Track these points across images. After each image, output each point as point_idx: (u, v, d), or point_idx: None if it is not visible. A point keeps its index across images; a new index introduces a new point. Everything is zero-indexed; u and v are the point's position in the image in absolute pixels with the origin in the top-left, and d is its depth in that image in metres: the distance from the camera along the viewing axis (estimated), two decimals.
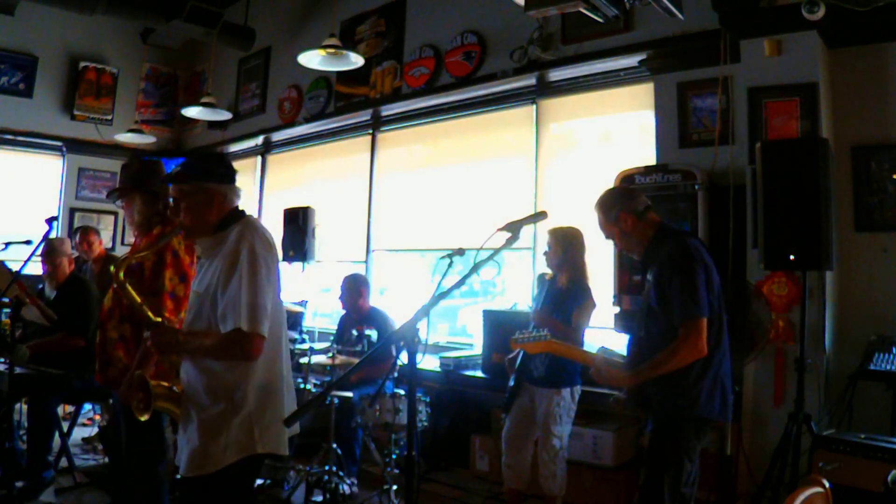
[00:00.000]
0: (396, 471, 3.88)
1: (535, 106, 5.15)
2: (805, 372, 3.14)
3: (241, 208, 2.30)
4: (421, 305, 1.86)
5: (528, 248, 4.97)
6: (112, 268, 2.28)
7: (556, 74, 4.95)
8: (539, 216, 2.18)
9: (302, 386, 4.18)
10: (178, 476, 2.28)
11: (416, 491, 1.87)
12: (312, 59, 4.76)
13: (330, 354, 4.13)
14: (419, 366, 1.94)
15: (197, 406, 2.12)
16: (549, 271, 3.73)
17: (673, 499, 2.45)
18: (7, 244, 4.29)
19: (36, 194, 7.72)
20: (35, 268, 4.20)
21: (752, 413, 3.55)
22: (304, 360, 4.26)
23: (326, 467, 3.87)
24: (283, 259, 5.78)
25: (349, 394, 4.13)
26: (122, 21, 7.34)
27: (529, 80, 5.07)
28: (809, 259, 3.10)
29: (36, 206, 7.48)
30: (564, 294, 3.53)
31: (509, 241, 1.97)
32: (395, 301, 6.09)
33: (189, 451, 2.09)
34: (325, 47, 4.65)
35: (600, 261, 3.77)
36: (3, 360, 3.89)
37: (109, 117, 8.01)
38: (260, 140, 7.50)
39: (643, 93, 4.51)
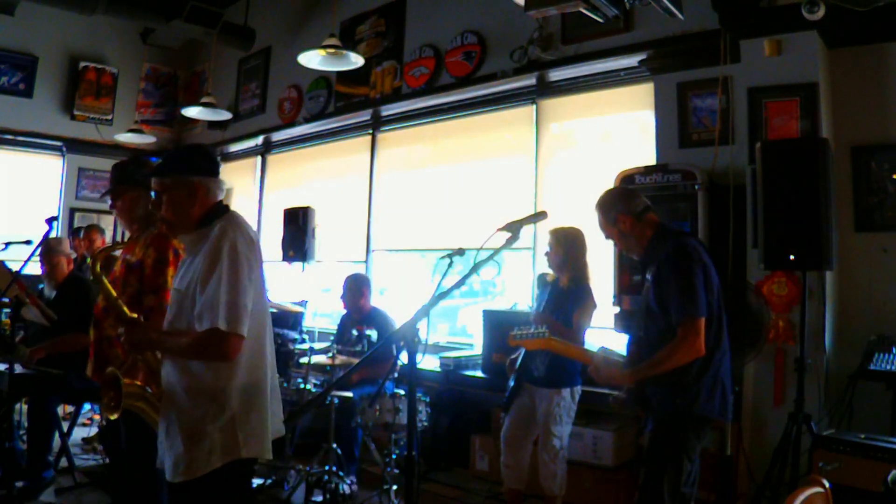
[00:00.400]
0: (396, 471, 3.87)
1: (535, 106, 5.15)
2: (805, 372, 3.14)
3: (224, 203, 2.24)
4: (421, 305, 1.86)
5: (528, 248, 4.97)
6: (89, 260, 2.25)
7: (556, 74, 4.94)
8: (539, 216, 2.19)
9: (302, 386, 4.18)
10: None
11: (416, 491, 1.88)
12: (312, 59, 4.76)
13: (330, 354, 4.13)
14: (419, 366, 1.94)
15: (178, 409, 2.05)
16: (549, 271, 3.73)
17: (673, 498, 2.45)
18: (7, 244, 4.29)
19: (36, 194, 7.73)
20: (35, 268, 4.21)
21: (752, 413, 3.55)
22: (304, 360, 4.25)
23: (326, 467, 3.87)
24: (283, 259, 5.79)
25: (349, 394, 4.13)
26: (122, 21, 7.35)
27: (529, 80, 5.07)
28: (809, 259, 3.10)
29: (36, 206, 7.49)
30: (566, 295, 3.53)
31: (509, 241, 1.97)
32: (395, 301, 6.09)
33: (173, 457, 2.03)
34: (325, 47, 4.65)
35: (600, 261, 3.76)
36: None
37: (109, 117, 8.01)
38: (260, 140, 7.49)
39: (643, 93, 4.51)
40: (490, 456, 4.42)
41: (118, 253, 3.01)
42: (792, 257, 3.11)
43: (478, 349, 4.86)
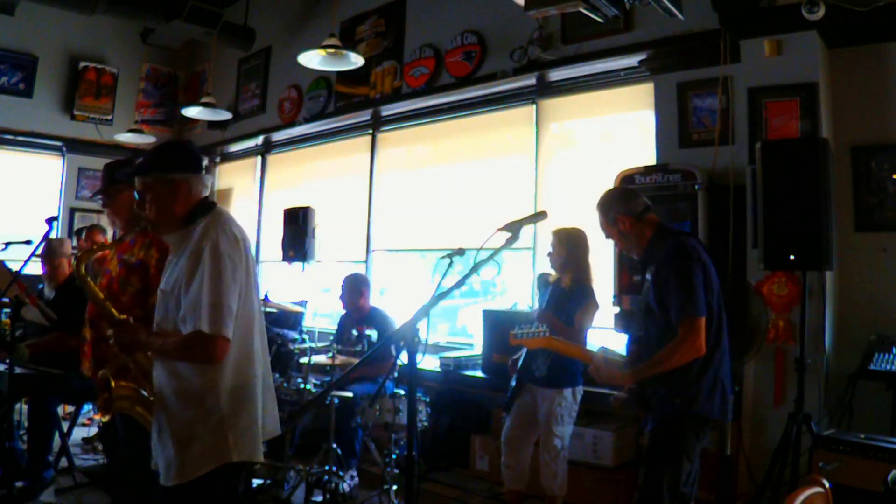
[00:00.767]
0: (396, 471, 3.87)
1: (535, 106, 5.15)
2: (805, 372, 3.14)
3: (210, 199, 2.19)
4: (421, 305, 1.86)
5: (528, 248, 4.97)
6: (73, 261, 2.22)
7: (556, 74, 4.94)
8: (539, 216, 2.19)
9: (302, 386, 4.18)
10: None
11: (416, 491, 1.87)
12: (312, 59, 4.76)
13: (330, 354, 4.13)
14: (419, 366, 1.93)
15: (168, 412, 2.03)
16: (550, 271, 3.73)
17: (672, 498, 2.46)
18: (7, 244, 4.29)
19: (36, 194, 7.72)
20: (35, 268, 4.21)
21: (752, 413, 3.55)
22: (304, 360, 4.25)
23: (326, 467, 3.87)
24: (283, 259, 5.79)
25: (349, 394, 4.13)
26: (122, 21, 7.35)
27: (529, 80, 5.07)
28: (809, 259, 3.10)
29: (36, 206, 7.48)
30: (567, 295, 3.53)
31: (509, 241, 1.97)
32: (395, 301, 6.09)
33: (165, 460, 2.01)
34: (325, 47, 4.66)
35: (601, 261, 3.77)
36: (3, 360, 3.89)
37: (109, 117, 8.01)
38: (260, 140, 7.49)
39: (643, 93, 4.51)
40: (490, 456, 4.42)
41: (107, 253, 2.97)
42: (792, 257, 3.11)
43: (478, 349, 4.86)
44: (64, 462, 4.23)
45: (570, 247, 3.55)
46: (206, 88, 7.24)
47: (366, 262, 6.24)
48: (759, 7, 3.69)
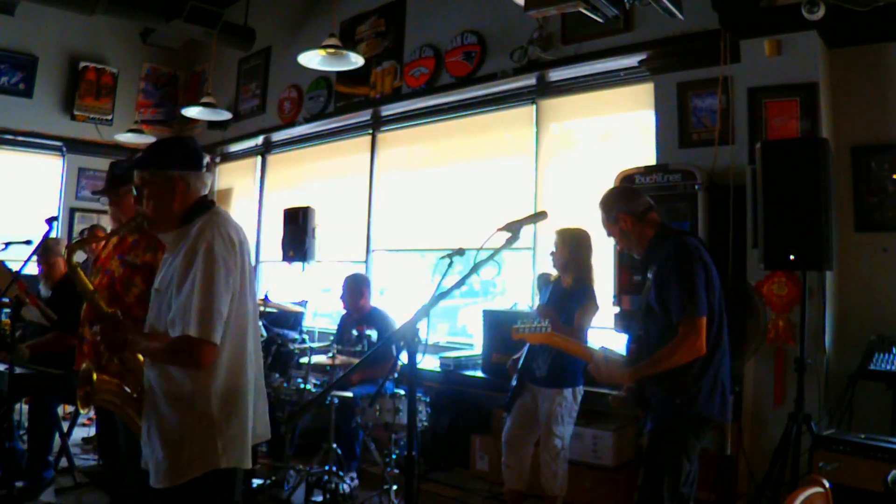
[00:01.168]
0: (396, 471, 3.88)
1: (535, 106, 5.15)
2: (805, 372, 3.13)
3: (209, 198, 2.15)
4: (421, 305, 1.86)
5: (528, 248, 4.97)
6: (65, 251, 2.16)
7: (556, 74, 4.94)
8: (539, 216, 2.19)
9: (302, 386, 4.18)
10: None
11: (416, 491, 1.87)
12: (312, 59, 4.76)
13: (330, 354, 4.13)
14: (419, 366, 1.93)
15: (158, 413, 1.99)
16: (551, 271, 3.73)
17: (672, 498, 2.46)
18: (7, 244, 4.29)
19: (36, 194, 7.72)
20: (35, 268, 4.21)
21: (752, 413, 3.55)
22: (304, 360, 4.25)
23: (326, 467, 3.87)
24: (283, 259, 5.79)
25: (349, 394, 4.13)
26: (122, 21, 7.34)
27: (529, 80, 5.07)
28: (809, 259, 3.09)
29: (36, 206, 7.48)
30: (568, 295, 3.54)
31: (509, 241, 1.97)
32: (395, 301, 6.09)
33: (154, 462, 1.98)
34: (325, 47, 4.65)
35: (601, 261, 3.76)
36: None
37: (109, 117, 8.01)
38: (260, 140, 7.49)
39: (643, 93, 4.51)
40: (490, 456, 4.42)
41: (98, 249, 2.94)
42: (792, 257, 3.11)
43: (478, 349, 4.86)
44: (64, 462, 4.23)
45: (573, 247, 3.55)
46: (206, 88, 7.24)
47: (366, 262, 6.24)
48: (759, 7, 3.69)
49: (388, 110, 6.15)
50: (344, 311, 4.98)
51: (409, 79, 5.76)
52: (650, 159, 4.25)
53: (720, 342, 2.54)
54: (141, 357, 2.13)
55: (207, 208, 2.10)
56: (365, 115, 6.33)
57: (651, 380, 2.56)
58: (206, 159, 2.18)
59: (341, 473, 3.96)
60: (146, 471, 2.04)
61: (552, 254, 3.62)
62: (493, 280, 6.06)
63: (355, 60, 4.79)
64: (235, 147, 7.94)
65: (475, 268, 1.92)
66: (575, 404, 3.52)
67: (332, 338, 4.97)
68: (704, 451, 2.72)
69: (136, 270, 2.67)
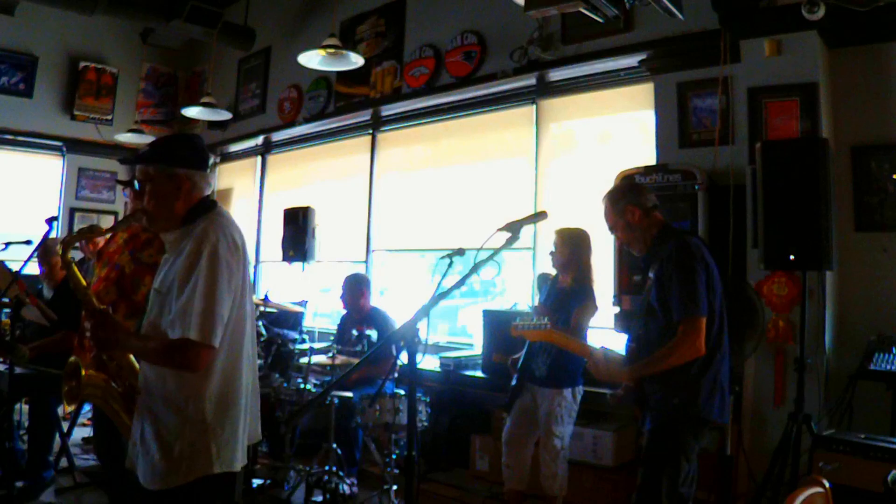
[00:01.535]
0: (396, 471, 3.87)
1: (535, 106, 5.15)
2: (805, 372, 3.13)
3: (211, 198, 2.12)
4: (421, 305, 1.86)
5: (528, 248, 4.97)
6: (59, 247, 2.12)
7: (556, 74, 4.94)
8: (539, 216, 2.19)
9: (302, 386, 4.18)
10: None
11: (416, 491, 1.87)
12: (312, 59, 4.76)
13: (330, 354, 4.13)
14: (419, 366, 1.93)
15: (153, 415, 1.96)
16: (551, 271, 3.73)
17: (671, 499, 2.46)
18: (7, 244, 4.29)
19: (36, 194, 7.72)
20: (35, 268, 4.20)
21: (752, 413, 3.55)
22: (304, 360, 4.25)
23: (326, 467, 3.87)
24: (283, 259, 5.79)
25: (349, 394, 4.13)
26: (122, 21, 7.34)
27: (529, 80, 5.07)
28: (809, 259, 3.09)
29: (36, 206, 7.49)
30: (567, 294, 3.54)
31: (509, 241, 1.97)
32: (395, 301, 6.09)
33: (148, 464, 1.94)
34: (325, 47, 4.66)
35: (601, 261, 3.77)
36: (3, 360, 3.89)
37: (109, 117, 8.01)
38: (260, 140, 7.49)
39: (643, 93, 4.51)
40: (490, 456, 4.42)
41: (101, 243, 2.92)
42: (792, 257, 3.10)
43: (478, 349, 4.86)
44: (64, 462, 4.23)
45: (573, 247, 3.55)
46: (206, 88, 7.25)
47: (366, 262, 6.24)
48: (759, 7, 3.69)
49: (388, 110, 6.15)
50: (344, 311, 4.99)
51: (409, 79, 5.76)
52: (650, 159, 4.25)
53: (720, 343, 2.54)
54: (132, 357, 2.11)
55: (210, 209, 2.07)
56: (365, 115, 6.33)
57: (650, 379, 2.56)
58: (212, 159, 2.16)
59: (341, 473, 3.96)
60: (131, 471, 2.01)
61: (551, 253, 3.63)
62: (493, 280, 6.05)
63: (355, 60, 4.79)
64: (235, 147, 7.94)
65: (475, 268, 1.92)
66: (574, 404, 3.52)
67: (332, 338, 4.97)
68: (704, 452, 2.72)
69: (147, 269, 2.65)
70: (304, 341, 5.62)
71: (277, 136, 7.35)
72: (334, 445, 3.95)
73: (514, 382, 3.64)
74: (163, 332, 1.97)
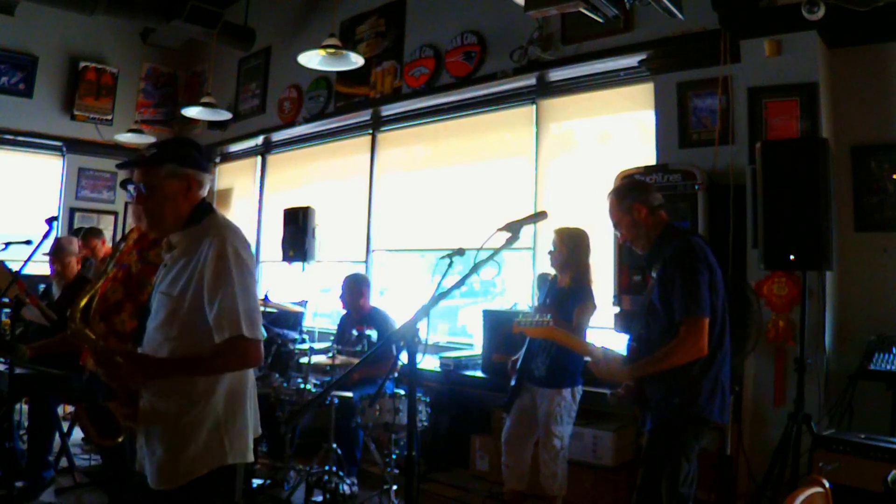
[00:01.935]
0: (396, 471, 3.87)
1: (535, 106, 5.15)
2: (805, 372, 3.13)
3: (207, 201, 2.13)
4: (421, 305, 1.86)
5: (528, 248, 4.97)
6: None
7: (556, 74, 4.94)
8: (539, 216, 2.18)
9: (302, 386, 4.18)
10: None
11: (416, 491, 1.87)
12: (312, 59, 4.76)
13: (330, 354, 4.13)
14: (419, 366, 1.93)
15: (163, 415, 1.95)
16: (550, 271, 3.73)
17: (671, 499, 2.45)
18: (7, 244, 4.28)
19: (36, 194, 7.72)
20: (35, 268, 4.19)
21: (752, 413, 3.55)
22: (304, 360, 4.25)
23: (326, 467, 3.87)
24: (283, 259, 5.80)
25: (349, 394, 4.13)
26: (122, 21, 7.35)
27: (529, 80, 5.07)
28: (809, 259, 3.09)
29: (36, 206, 7.49)
30: (566, 294, 3.54)
31: (509, 241, 1.97)
32: (395, 301, 6.09)
33: (156, 463, 1.94)
34: (325, 47, 4.66)
35: (601, 261, 3.77)
36: (3, 359, 3.89)
37: (109, 117, 8.01)
38: (260, 140, 7.49)
39: (643, 93, 4.51)
40: (490, 456, 4.42)
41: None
42: (792, 257, 3.10)
43: (478, 349, 4.86)
44: (64, 462, 4.23)
45: (572, 246, 3.55)
46: (206, 88, 7.24)
47: (366, 262, 6.24)
48: (759, 7, 3.69)
49: (388, 110, 6.15)
50: (344, 312, 4.98)
51: (409, 79, 5.76)
52: (650, 159, 4.25)
53: (722, 344, 2.54)
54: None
55: (210, 210, 2.10)
56: (365, 115, 6.33)
57: (651, 379, 2.56)
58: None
59: (341, 473, 3.96)
60: (141, 473, 2.01)
61: (550, 253, 3.63)
62: (493, 280, 6.06)
63: (355, 60, 4.79)
64: (235, 147, 7.94)
65: (475, 268, 1.92)
66: (574, 404, 3.52)
67: (332, 338, 4.97)
68: (704, 452, 2.72)
69: (153, 269, 2.65)
70: (304, 341, 5.62)
71: (277, 136, 7.35)
72: (334, 445, 3.95)
73: (513, 382, 3.64)
74: (174, 337, 1.96)
